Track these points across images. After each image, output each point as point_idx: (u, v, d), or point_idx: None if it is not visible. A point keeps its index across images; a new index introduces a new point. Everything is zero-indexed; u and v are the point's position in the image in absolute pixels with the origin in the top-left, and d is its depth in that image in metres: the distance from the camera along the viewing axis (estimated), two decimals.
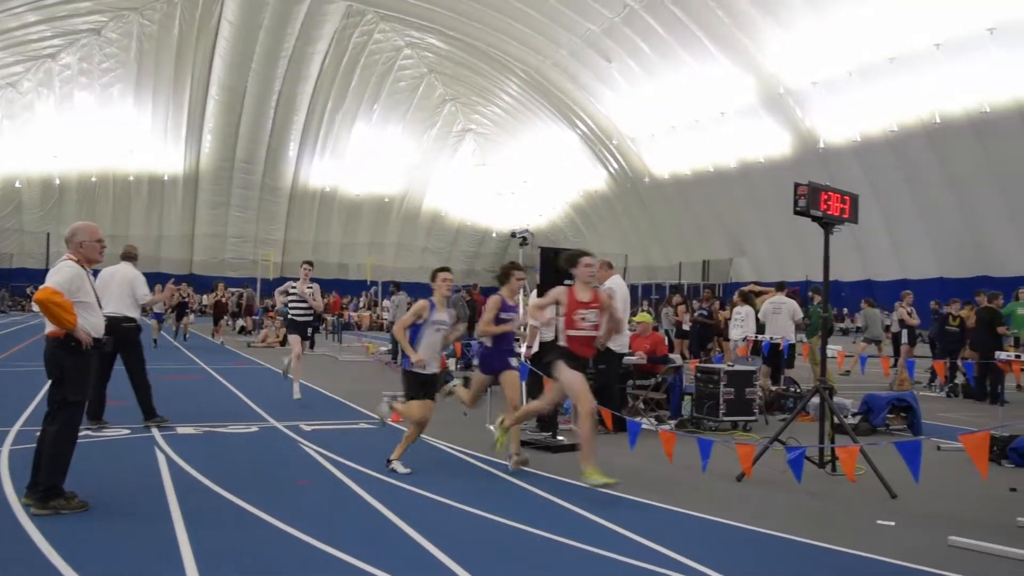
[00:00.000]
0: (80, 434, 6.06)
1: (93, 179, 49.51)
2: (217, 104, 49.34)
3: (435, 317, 7.51)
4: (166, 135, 49.57)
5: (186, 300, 24.97)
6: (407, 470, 7.22)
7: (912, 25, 28.32)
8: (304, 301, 11.83)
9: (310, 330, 12.17)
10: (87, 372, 5.89)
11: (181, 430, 9.12)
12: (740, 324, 14.21)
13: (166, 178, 50.94)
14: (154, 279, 11.72)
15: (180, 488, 6.42)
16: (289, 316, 12.19)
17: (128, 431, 8.96)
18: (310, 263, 12.37)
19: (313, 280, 12.28)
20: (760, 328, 14.00)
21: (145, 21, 45.12)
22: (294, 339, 12.06)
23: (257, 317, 31.28)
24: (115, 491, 6.28)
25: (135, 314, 9.44)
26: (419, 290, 50.61)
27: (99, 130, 47.35)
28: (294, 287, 11.91)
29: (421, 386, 7.57)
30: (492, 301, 7.86)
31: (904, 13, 28.17)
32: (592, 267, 7.16)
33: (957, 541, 5.40)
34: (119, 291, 9.16)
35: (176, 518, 5.57)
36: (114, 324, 8.54)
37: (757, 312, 14.30)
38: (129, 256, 9.80)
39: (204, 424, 9.56)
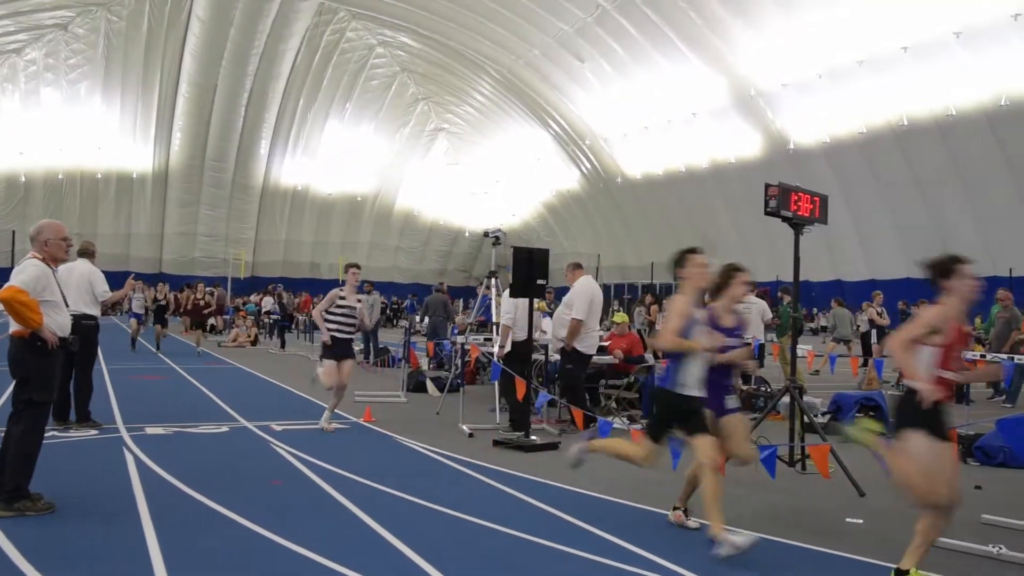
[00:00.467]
0: (46, 434, 5.98)
1: (60, 176, 48.79)
2: (187, 101, 48.77)
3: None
4: (135, 132, 48.94)
5: (163, 303, 23.16)
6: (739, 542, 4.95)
7: (880, 29, 28.65)
8: (352, 316, 9.75)
9: (363, 347, 9.92)
10: (53, 372, 5.81)
11: (150, 430, 9.03)
12: None
13: (135, 176, 50.29)
14: (123, 278, 11.35)
15: (149, 489, 6.35)
16: (332, 333, 9.70)
17: (96, 431, 8.85)
18: (357, 266, 10.21)
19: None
20: None
21: (113, 17, 44.51)
22: (330, 365, 9.67)
23: (228, 316, 31.07)
24: (82, 492, 6.20)
25: (95, 312, 9.28)
26: (390, 289, 50.35)
27: (66, 127, 46.61)
28: (344, 297, 9.73)
29: (685, 417, 5.34)
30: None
31: (872, 17, 28.50)
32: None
33: None
34: (77, 288, 8.98)
35: (145, 519, 5.51)
36: (73, 322, 8.42)
37: None
38: (86, 252, 9.59)
39: (173, 424, 9.46)
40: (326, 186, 55.08)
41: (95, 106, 47.34)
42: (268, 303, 29.85)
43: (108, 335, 9.71)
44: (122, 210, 50.85)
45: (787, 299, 16.14)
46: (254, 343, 25.42)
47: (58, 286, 5.96)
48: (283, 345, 24.14)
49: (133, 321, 21.92)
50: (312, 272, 55.11)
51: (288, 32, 46.49)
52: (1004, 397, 14.06)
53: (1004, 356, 10.63)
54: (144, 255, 50.44)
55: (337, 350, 9.68)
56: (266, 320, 28.62)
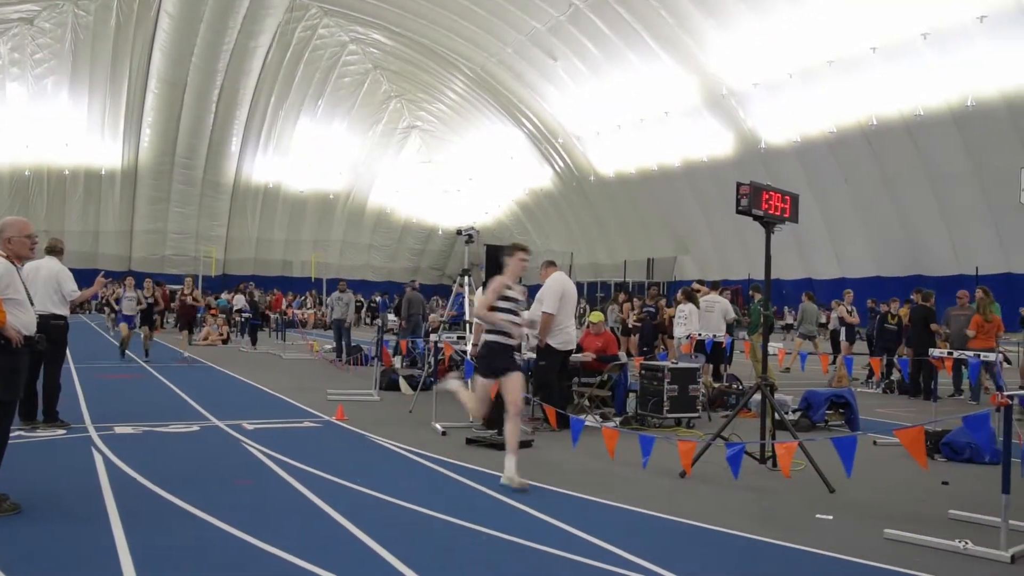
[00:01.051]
0: (13, 434, 5.89)
1: (27, 173, 48.13)
2: (156, 98, 48.27)
3: None
4: (103, 129, 48.38)
5: (151, 300, 20.37)
6: None
7: (850, 29, 28.96)
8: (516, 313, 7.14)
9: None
10: (18, 371, 5.72)
11: (119, 430, 8.92)
12: (683, 322, 14.42)
13: (103, 173, 49.70)
14: (91, 276, 11.15)
15: (118, 489, 6.27)
16: (493, 339, 7.04)
17: (63, 431, 8.73)
18: (526, 249, 7.46)
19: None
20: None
21: (80, 11, 43.95)
22: (483, 384, 7.05)
23: (199, 315, 30.78)
24: (50, 493, 6.11)
25: (64, 311, 9.08)
26: (363, 288, 50.17)
27: (32, 123, 46.05)
28: (510, 287, 7.14)
29: None
30: None
31: (842, 17, 28.81)
32: None
33: (892, 534, 5.52)
34: (45, 287, 8.79)
35: (114, 519, 5.44)
36: (42, 322, 8.28)
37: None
38: (54, 250, 9.38)
39: (143, 423, 9.36)
40: (298, 184, 54.77)
41: (62, 102, 46.75)
42: (240, 301, 29.62)
43: (78, 334, 9.46)
44: (90, 207, 50.28)
45: (758, 297, 16.26)
46: (225, 341, 25.20)
47: (23, 284, 5.87)
48: (254, 343, 23.96)
49: (123, 325, 19.15)
50: (284, 270, 54.87)
51: (259, 28, 46.16)
52: (970, 395, 14.26)
53: (971, 354, 10.77)
54: (113, 253, 49.92)
55: (497, 362, 6.98)
56: (237, 319, 28.40)
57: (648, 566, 4.80)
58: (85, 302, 21.35)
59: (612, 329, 19.19)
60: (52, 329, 8.68)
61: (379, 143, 56.10)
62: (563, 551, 5.06)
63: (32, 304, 6.04)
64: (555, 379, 10.04)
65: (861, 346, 20.29)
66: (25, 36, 44.46)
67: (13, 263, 5.83)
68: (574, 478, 7.11)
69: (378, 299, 41.59)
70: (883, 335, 16.84)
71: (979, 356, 10.39)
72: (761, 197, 7.59)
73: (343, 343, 19.16)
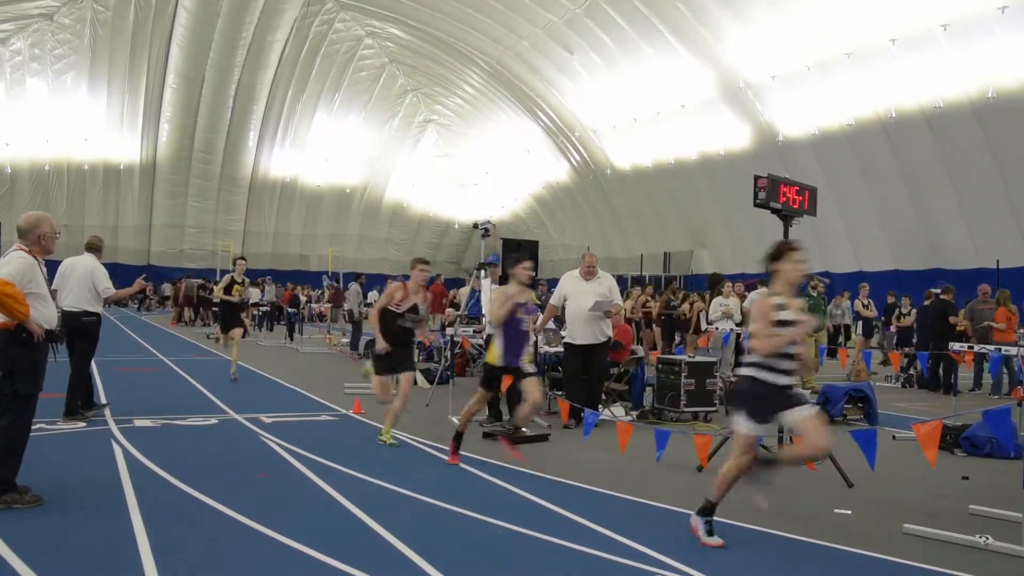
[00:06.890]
0: (34, 427, 5.95)
1: (46, 167, 48.47)
2: (174, 93, 48.51)
3: None
4: (122, 124, 48.65)
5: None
6: None
7: (868, 21, 28.69)
8: None
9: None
10: (40, 364, 5.78)
11: (139, 423, 8.99)
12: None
13: (122, 167, 49.99)
14: (111, 270, 11.20)
15: (137, 481, 6.32)
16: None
17: (84, 424, 8.81)
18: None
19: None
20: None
21: (99, 7, 44.19)
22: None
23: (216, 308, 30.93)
24: (71, 485, 6.17)
25: (97, 308, 9.13)
26: (380, 281, 50.33)
27: (52, 118, 46.35)
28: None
29: None
30: None
31: (860, 9, 28.54)
32: None
33: (912, 529, 5.50)
34: (80, 284, 8.87)
35: (133, 511, 5.49)
36: (73, 318, 8.36)
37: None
38: (93, 247, 9.44)
39: (162, 416, 9.43)
40: (315, 178, 54.91)
41: (82, 97, 47.03)
42: (257, 295, 29.78)
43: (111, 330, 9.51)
44: (109, 202, 50.60)
45: (820, 288, 16.22)
46: (244, 335, 25.30)
47: (44, 278, 5.92)
48: (291, 337, 24.22)
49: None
50: (301, 264, 55.02)
51: (276, 23, 46.27)
52: (990, 389, 14.16)
53: (991, 348, 10.69)
54: (132, 247, 50.24)
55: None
56: (255, 312, 28.56)
57: (664, 559, 4.80)
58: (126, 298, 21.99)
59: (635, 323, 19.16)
60: (84, 325, 8.77)
61: (395, 137, 56.13)
62: (578, 544, 5.06)
63: (54, 298, 6.09)
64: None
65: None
66: (45, 32, 44.75)
67: (35, 258, 5.87)
68: (590, 472, 7.10)
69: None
70: (899, 329, 16.75)
71: (1000, 350, 10.31)
72: (779, 190, 7.56)
73: (359, 337, 19.23)
